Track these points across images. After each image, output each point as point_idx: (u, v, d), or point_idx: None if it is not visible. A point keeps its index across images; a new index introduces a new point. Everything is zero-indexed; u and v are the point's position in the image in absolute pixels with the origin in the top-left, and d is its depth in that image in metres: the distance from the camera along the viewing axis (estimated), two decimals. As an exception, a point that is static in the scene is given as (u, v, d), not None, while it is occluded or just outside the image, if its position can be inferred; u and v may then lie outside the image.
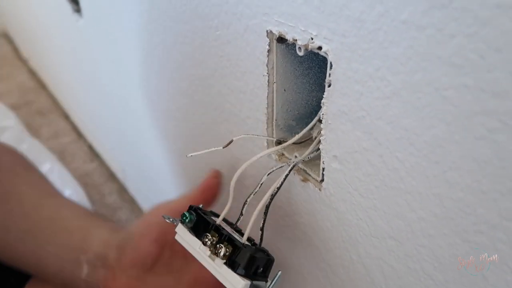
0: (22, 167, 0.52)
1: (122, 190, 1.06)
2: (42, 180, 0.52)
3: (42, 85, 1.43)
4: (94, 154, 1.18)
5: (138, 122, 0.74)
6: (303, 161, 0.36)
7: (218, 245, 0.31)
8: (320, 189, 0.35)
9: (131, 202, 1.02)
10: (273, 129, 0.39)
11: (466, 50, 0.21)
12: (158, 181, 0.78)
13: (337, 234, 0.36)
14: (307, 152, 0.35)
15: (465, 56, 0.21)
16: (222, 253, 0.30)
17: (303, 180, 0.36)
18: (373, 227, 0.32)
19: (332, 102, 0.30)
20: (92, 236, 0.43)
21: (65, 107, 1.31)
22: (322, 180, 0.34)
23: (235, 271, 0.30)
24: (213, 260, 0.31)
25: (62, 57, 1.08)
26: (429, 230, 0.27)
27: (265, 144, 0.40)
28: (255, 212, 0.33)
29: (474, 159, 0.22)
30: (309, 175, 0.36)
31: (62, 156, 1.17)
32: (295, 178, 0.37)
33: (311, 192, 0.36)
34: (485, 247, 0.24)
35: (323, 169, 0.34)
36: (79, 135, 1.24)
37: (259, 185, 0.34)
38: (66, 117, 1.31)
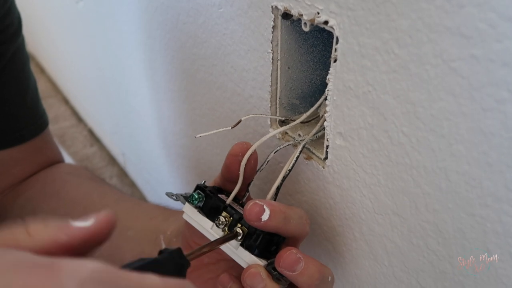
0: (90, 178, 0.55)
1: (122, 174, 1.06)
2: (115, 190, 0.54)
3: (41, 69, 1.42)
4: (94, 138, 1.17)
5: (138, 106, 0.73)
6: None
7: (234, 228, 0.31)
8: (323, 167, 0.35)
9: (132, 186, 1.02)
10: (276, 108, 0.39)
11: (475, 20, 0.20)
12: (158, 164, 0.78)
13: (340, 211, 0.36)
14: (314, 131, 0.35)
15: (474, 26, 0.21)
16: (239, 236, 0.31)
17: (306, 158, 0.36)
18: (377, 204, 0.32)
19: (337, 78, 0.30)
20: (173, 217, 0.44)
21: (65, 92, 1.30)
22: (326, 158, 0.34)
23: (252, 253, 0.30)
24: None
25: (61, 40, 1.07)
26: (434, 205, 0.27)
27: (268, 122, 0.39)
28: (268, 196, 0.33)
29: (481, 131, 0.22)
30: (313, 153, 0.36)
31: (62, 140, 1.16)
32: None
33: (314, 170, 0.36)
34: (490, 220, 0.24)
35: (327, 146, 0.34)
36: (79, 119, 1.24)
37: (266, 162, 0.35)
38: (66, 101, 1.30)
